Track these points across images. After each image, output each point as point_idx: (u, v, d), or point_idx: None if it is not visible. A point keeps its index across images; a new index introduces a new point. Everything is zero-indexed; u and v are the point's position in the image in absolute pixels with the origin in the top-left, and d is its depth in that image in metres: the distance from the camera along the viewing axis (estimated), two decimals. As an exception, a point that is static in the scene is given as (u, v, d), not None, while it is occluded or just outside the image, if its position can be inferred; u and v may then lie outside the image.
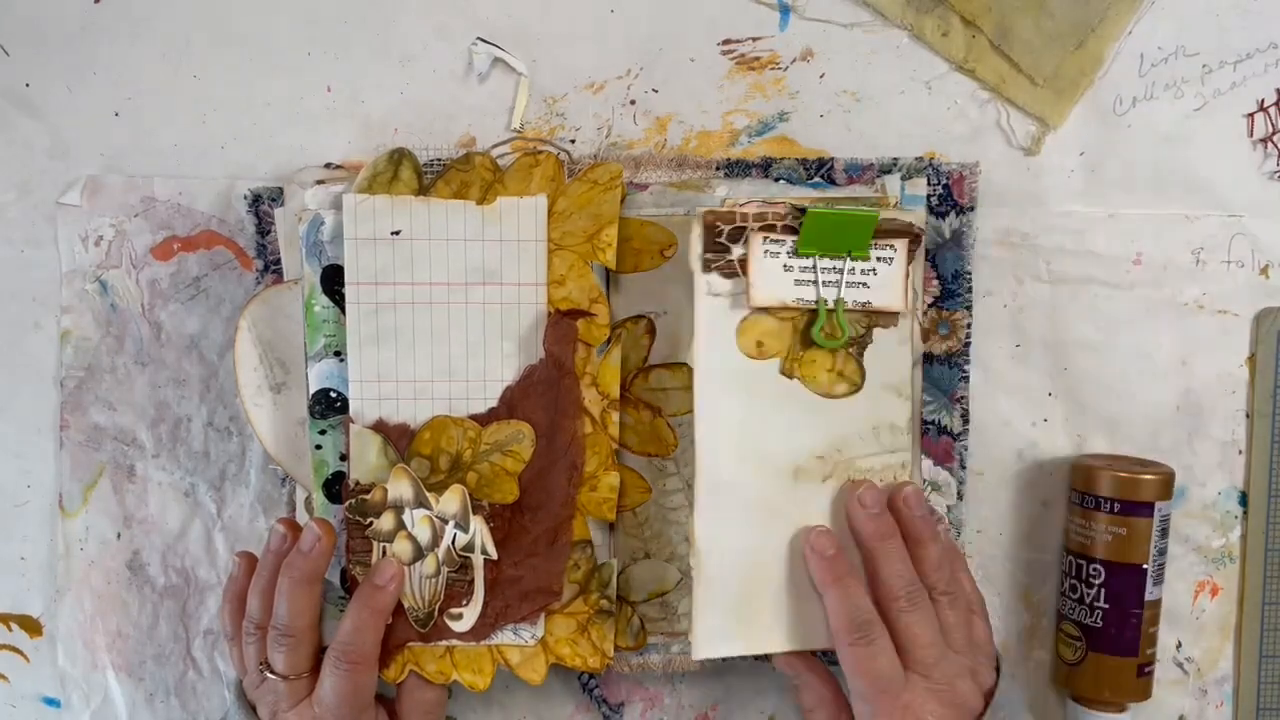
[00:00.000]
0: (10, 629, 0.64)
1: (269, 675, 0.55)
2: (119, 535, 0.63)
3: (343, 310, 0.57)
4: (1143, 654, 0.59)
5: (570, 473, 0.58)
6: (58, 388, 0.62)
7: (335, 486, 0.58)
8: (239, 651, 0.57)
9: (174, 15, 0.61)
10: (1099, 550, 0.58)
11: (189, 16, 0.61)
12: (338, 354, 0.58)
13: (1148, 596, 0.58)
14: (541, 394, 0.58)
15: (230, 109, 0.61)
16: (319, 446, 0.58)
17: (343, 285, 0.57)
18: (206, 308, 0.62)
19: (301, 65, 0.61)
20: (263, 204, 0.60)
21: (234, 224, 0.61)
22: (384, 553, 0.57)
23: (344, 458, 0.58)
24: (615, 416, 0.59)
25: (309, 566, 0.55)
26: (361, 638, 0.55)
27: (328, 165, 0.60)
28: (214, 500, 0.63)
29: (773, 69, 0.61)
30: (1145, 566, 0.58)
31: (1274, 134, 0.61)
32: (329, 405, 0.58)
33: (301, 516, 0.60)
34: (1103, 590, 0.58)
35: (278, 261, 0.60)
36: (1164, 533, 0.58)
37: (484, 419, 0.58)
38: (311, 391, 0.58)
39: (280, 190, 0.60)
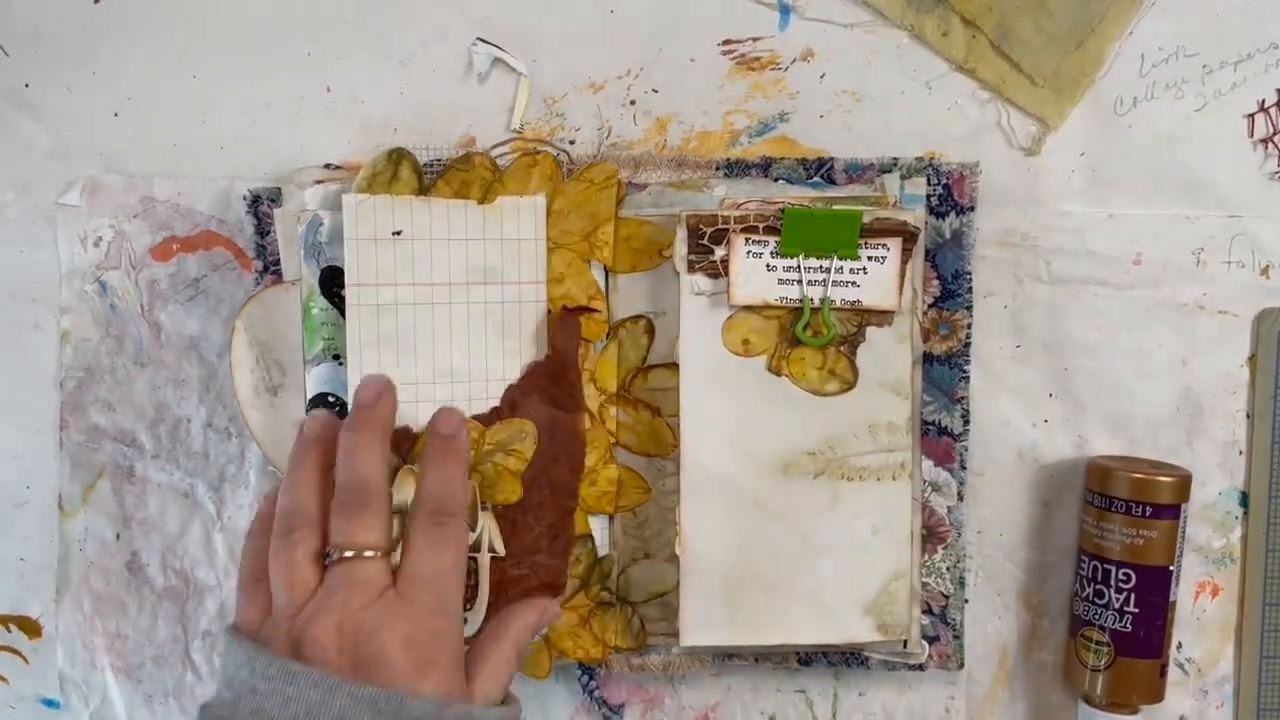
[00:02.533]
0: (9, 630, 0.64)
1: (342, 558, 0.44)
2: (118, 536, 0.63)
3: (341, 312, 0.57)
4: (1164, 655, 0.59)
5: (573, 467, 0.59)
6: (57, 388, 0.62)
7: (334, 490, 0.58)
8: (257, 591, 0.47)
9: (174, 15, 0.61)
10: (1125, 554, 0.58)
11: (189, 16, 0.61)
12: (336, 357, 0.58)
13: (1170, 598, 0.58)
14: (543, 391, 0.58)
15: (230, 109, 0.61)
16: (318, 449, 0.58)
17: (342, 287, 0.57)
18: (206, 308, 0.62)
19: (301, 65, 0.61)
20: (262, 204, 0.60)
21: (233, 224, 0.61)
22: None
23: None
24: (612, 411, 0.60)
25: (382, 415, 0.48)
26: (450, 489, 0.47)
27: (327, 165, 0.60)
28: (213, 501, 0.62)
29: (773, 69, 0.61)
30: (1171, 569, 0.58)
31: (1274, 134, 0.61)
32: (327, 409, 0.58)
33: (301, 517, 0.60)
34: (1132, 594, 0.58)
35: (277, 262, 0.59)
36: (1184, 533, 0.58)
37: (486, 419, 0.58)
38: (309, 396, 0.58)
39: (279, 191, 0.60)
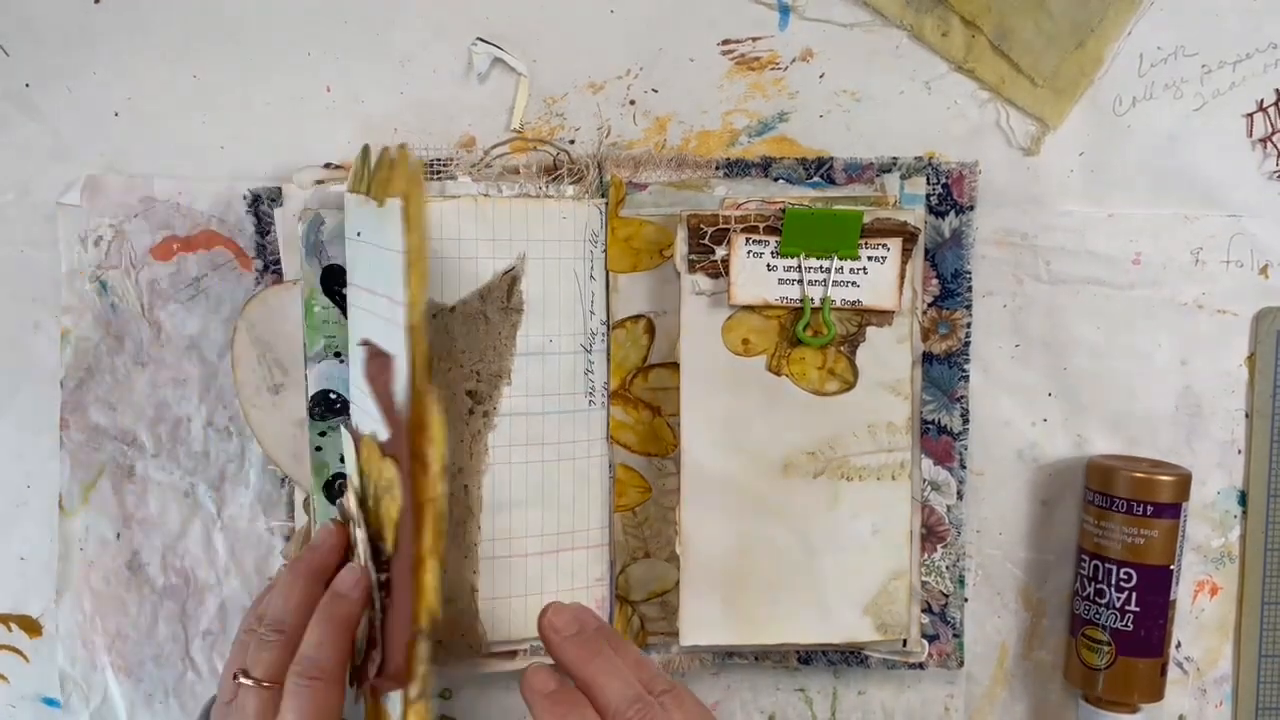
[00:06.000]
0: (10, 629, 0.64)
1: (242, 681, 0.49)
2: (118, 535, 0.63)
3: (343, 311, 0.57)
4: (1165, 654, 0.59)
5: (411, 563, 0.47)
6: (58, 388, 0.62)
7: (336, 488, 0.58)
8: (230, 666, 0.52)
9: (174, 15, 0.61)
10: (1126, 553, 0.58)
11: (189, 16, 0.61)
12: (338, 355, 0.58)
13: (1171, 597, 0.59)
14: (397, 435, 0.48)
15: (230, 109, 0.61)
16: (319, 448, 0.58)
17: (342, 286, 0.57)
18: (206, 308, 0.62)
19: (301, 65, 0.61)
20: (262, 204, 0.60)
21: (234, 224, 0.61)
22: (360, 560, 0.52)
23: (345, 459, 0.58)
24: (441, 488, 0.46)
25: (313, 560, 0.52)
26: (323, 652, 0.49)
27: (327, 165, 0.60)
28: (214, 500, 0.63)
29: (772, 69, 0.61)
30: (1172, 568, 0.58)
31: (1273, 134, 0.61)
32: (329, 407, 0.58)
33: (300, 518, 0.60)
34: (1134, 594, 0.58)
35: (277, 262, 0.60)
36: (1184, 533, 0.59)
37: (386, 447, 0.49)
38: (311, 393, 0.58)
39: (279, 190, 0.60)
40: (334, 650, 0.49)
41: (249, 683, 0.49)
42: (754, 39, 0.60)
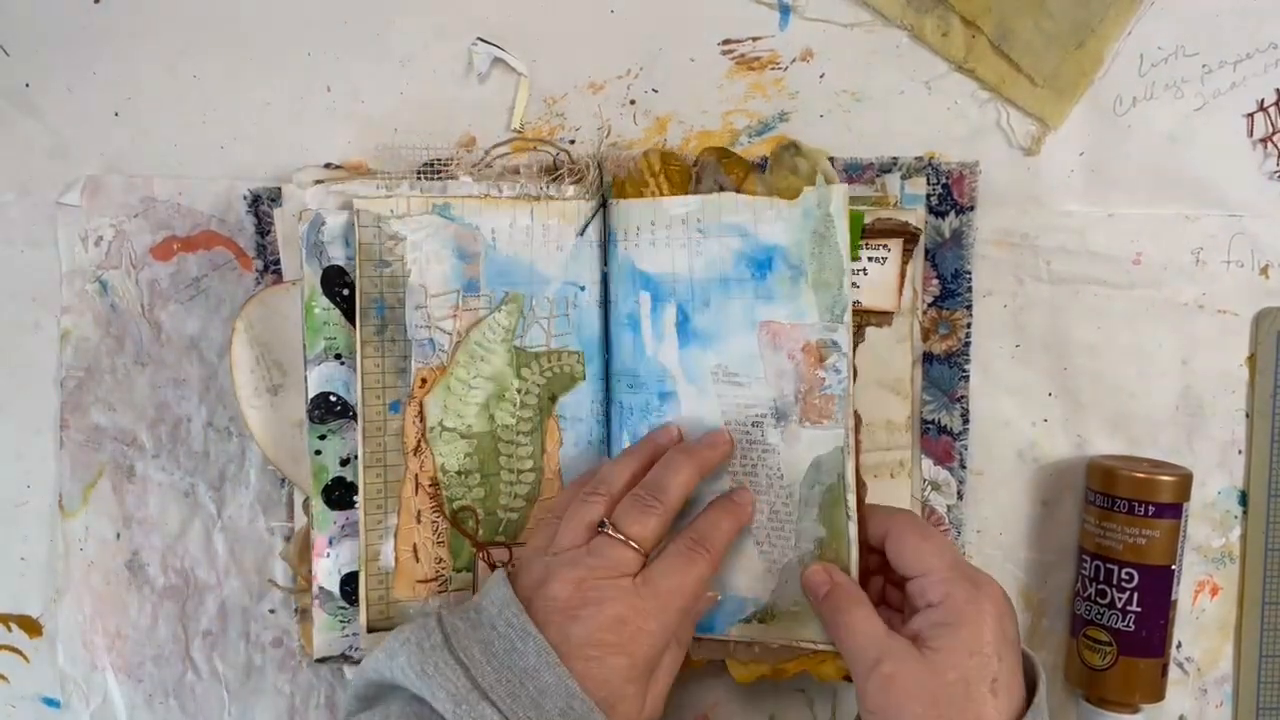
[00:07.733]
0: (10, 629, 0.64)
1: (612, 534, 0.49)
2: (118, 535, 0.63)
3: (343, 312, 0.57)
4: (1166, 654, 0.59)
5: None
6: (58, 388, 0.62)
7: (335, 492, 0.58)
8: (547, 526, 0.53)
9: (174, 15, 0.61)
10: (1128, 553, 0.58)
11: (189, 16, 0.61)
12: (338, 357, 0.58)
13: (1172, 597, 0.59)
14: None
15: (230, 109, 0.61)
16: (319, 452, 0.58)
17: (343, 286, 0.57)
18: (206, 308, 0.62)
19: (301, 65, 0.61)
20: (262, 204, 0.60)
21: (234, 224, 0.61)
22: None
23: (344, 462, 0.58)
24: None
25: (708, 456, 0.54)
26: (716, 531, 0.52)
27: (327, 165, 0.60)
28: (214, 500, 0.63)
29: (773, 69, 0.61)
30: (1174, 568, 0.58)
31: (1274, 134, 0.61)
32: (329, 409, 0.58)
33: (300, 518, 0.60)
34: (1135, 594, 0.58)
35: (278, 262, 0.59)
36: (1185, 533, 0.59)
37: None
38: (311, 395, 0.58)
39: (279, 190, 0.60)
40: (725, 535, 0.52)
41: (617, 536, 0.50)
42: (754, 39, 0.60)
